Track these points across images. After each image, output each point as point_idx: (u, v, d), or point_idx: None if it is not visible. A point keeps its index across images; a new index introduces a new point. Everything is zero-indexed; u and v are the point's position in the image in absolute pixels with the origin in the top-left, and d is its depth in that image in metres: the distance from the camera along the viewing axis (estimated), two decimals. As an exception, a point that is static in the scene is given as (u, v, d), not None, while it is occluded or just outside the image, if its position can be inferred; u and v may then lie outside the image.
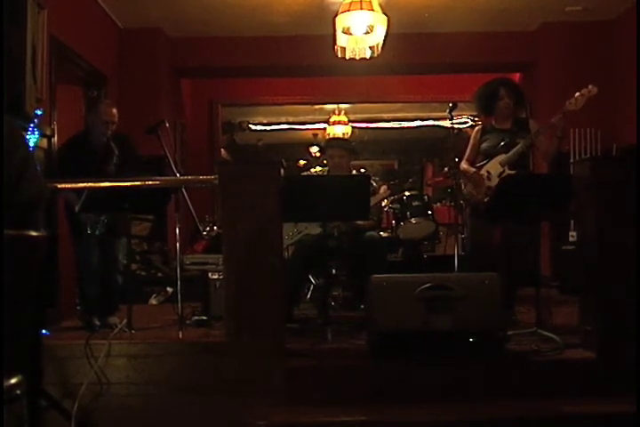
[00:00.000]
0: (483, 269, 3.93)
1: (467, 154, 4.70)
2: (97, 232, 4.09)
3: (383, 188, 5.08)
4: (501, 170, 4.41)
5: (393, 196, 5.36)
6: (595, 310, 3.54)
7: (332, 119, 10.21)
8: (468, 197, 4.64)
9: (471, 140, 4.72)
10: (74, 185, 4.05)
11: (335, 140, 6.09)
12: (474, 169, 4.55)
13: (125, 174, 4.25)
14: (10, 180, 2.16)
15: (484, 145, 4.56)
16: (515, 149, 4.37)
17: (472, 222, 4.67)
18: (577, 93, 4.14)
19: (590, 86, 4.11)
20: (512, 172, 4.36)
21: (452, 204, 5.43)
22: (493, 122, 4.60)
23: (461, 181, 4.71)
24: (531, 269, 4.17)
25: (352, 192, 4.05)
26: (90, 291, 4.32)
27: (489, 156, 4.50)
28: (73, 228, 4.35)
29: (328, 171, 5.05)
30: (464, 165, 4.66)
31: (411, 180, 6.70)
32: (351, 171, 5.11)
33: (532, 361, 3.46)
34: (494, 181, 4.39)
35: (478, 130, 4.71)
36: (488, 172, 4.46)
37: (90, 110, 4.52)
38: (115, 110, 4.49)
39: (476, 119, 7.93)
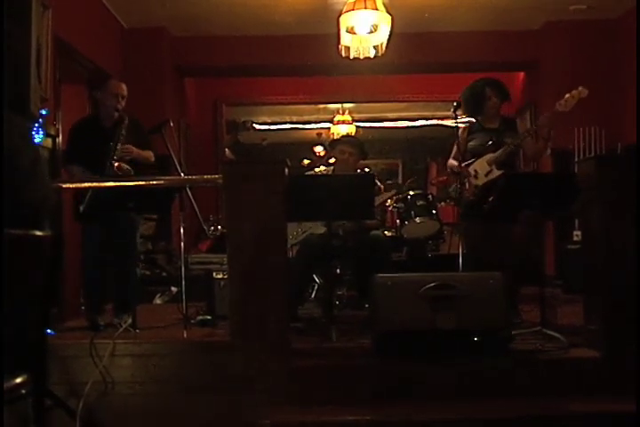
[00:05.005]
0: (479, 268, 3.93)
1: (453, 152, 4.75)
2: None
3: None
4: (489, 169, 4.44)
5: (397, 195, 5.36)
6: (599, 309, 3.53)
7: (336, 119, 10.22)
8: (455, 196, 4.67)
9: (458, 139, 4.75)
10: (78, 185, 4.06)
11: (347, 137, 6.10)
12: (462, 165, 4.57)
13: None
14: (20, 179, 2.16)
15: (471, 144, 4.59)
16: (503, 149, 4.41)
17: (463, 222, 4.71)
18: (567, 95, 4.16)
19: (580, 88, 4.13)
20: (500, 171, 4.39)
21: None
22: (480, 121, 4.61)
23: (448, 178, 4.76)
24: (534, 268, 4.16)
25: (356, 191, 4.05)
26: (97, 288, 4.35)
27: (476, 155, 4.52)
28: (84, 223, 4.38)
29: (335, 164, 5.06)
30: (452, 162, 4.70)
31: (410, 180, 6.68)
32: (357, 170, 5.12)
33: (537, 360, 3.45)
34: (481, 180, 4.43)
35: (465, 129, 4.74)
36: (475, 171, 4.48)
37: (98, 88, 4.53)
38: (124, 85, 4.51)
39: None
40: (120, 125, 4.34)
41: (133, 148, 4.35)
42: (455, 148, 4.72)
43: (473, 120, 4.70)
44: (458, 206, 4.73)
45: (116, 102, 4.41)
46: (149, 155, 4.49)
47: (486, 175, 4.42)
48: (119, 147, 4.28)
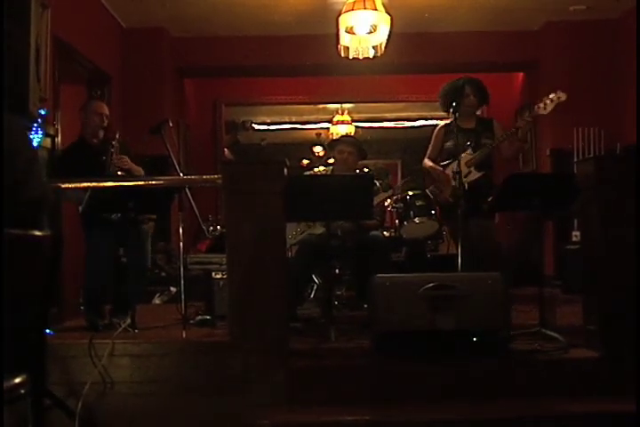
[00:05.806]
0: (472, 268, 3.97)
1: (429, 152, 4.77)
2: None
3: None
4: (468, 170, 4.46)
5: (396, 195, 5.36)
6: (598, 309, 3.53)
7: (335, 119, 10.21)
8: (433, 197, 4.69)
9: (434, 139, 4.79)
10: (77, 185, 4.05)
11: (346, 137, 6.11)
12: (440, 168, 4.58)
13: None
14: (16, 178, 2.16)
15: (448, 144, 4.61)
16: (481, 151, 4.46)
17: (445, 222, 4.75)
18: (545, 98, 4.19)
19: (558, 92, 4.19)
20: (480, 173, 4.44)
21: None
22: (457, 121, 4.61)
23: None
24: (534, 269, 4.16)
25: (355, 191, 4.05)
26: (96, 288, 4.35)
27: (454, 155, 4.51)
28: (84, 223, 4.38)
29: (334, 164, 5.07)
30: (429, 162, 4.70)
31: (404, 180, 6.67)
32: (356, 170, 5.12)
33: (536, 361, 3.45)
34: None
35: (441, 128, 4.75)
36: (454, 172, 4.48)
37: (82, 109, 4.64)
38: (105, 106, 4.62)
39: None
40: (111, 140, 4.39)
41: (128, 159, 4.38)
42: (430, 147, 4.75)
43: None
44: (439, 207, 4.78)
45: (100, 121, 4.50)
46: (141, 170, 4.52)
47: (466, 176, 4.44)
48: (114, 157, 4.32)
